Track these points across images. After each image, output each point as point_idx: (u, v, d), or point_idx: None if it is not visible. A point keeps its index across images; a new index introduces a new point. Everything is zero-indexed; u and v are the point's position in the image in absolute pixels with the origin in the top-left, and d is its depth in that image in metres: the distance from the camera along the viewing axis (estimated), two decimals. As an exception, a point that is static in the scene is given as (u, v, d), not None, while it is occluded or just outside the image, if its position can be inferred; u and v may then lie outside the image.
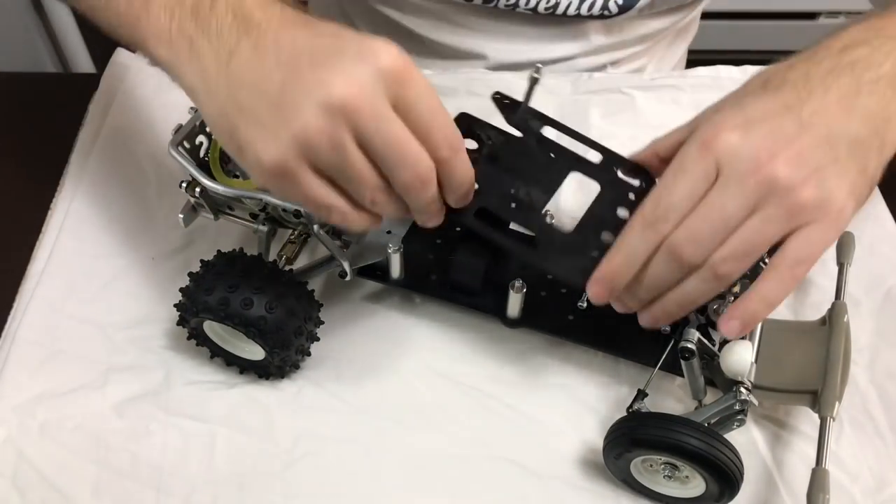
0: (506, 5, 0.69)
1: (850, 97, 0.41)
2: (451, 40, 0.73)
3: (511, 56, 0.72)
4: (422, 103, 0.39)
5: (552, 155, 0.51)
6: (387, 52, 0.38)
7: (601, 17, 0.70)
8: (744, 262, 0.41)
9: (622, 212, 0.48)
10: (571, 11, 0.69)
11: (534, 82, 0.50)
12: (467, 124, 0.52)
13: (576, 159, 0.51)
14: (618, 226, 0.45)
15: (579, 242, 0.46)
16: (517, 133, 0.51)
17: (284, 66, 0.38)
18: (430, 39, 0.74)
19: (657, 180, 0.43)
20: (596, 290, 0.44)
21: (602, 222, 0.47)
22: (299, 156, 0.38)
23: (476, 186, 0.45)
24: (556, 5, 0.68)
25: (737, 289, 0.49)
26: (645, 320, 0.45)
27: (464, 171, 0.42)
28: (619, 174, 0.50)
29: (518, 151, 0.50)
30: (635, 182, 0.50)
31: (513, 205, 0.47)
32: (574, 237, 0.47)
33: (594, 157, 0.51)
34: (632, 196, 0.49)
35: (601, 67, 0.75)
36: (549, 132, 0.52)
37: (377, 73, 0.37)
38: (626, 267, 0.42)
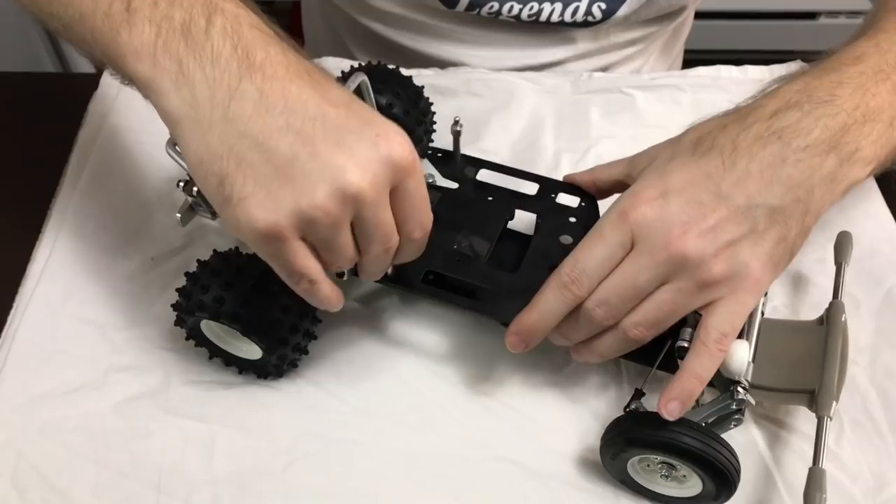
0: (488, 13, 0.69)
1: (775, 166, 0.42)
2: (435, 51, 0.73)
3: (496, 63, 0.72)
4: (416, 194, 0.41)
5: (490, 198, 0.53)
6: (399, 145, 0.39)
7: (585, 24, 0.70)
8: (654, 328, 0.43)
9: (565, 238, 0.50)
10: (555, 19, 0.69)
11: (457, 135, 0.54)
12: None
13: (513, 196, 0.54)
14: (562, 253, 0.47)
15: (525, 281, 0.47)
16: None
17: (296, 133, 0.38)
18: (414, 50, 0.74)
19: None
20: (513, 342, 0.46)
21: (546, 254, 0.48)
22: (296, 226, 0.39)
23: None
24: (539, 13, 0.68)
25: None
26: (573, 355, 0.47)
27: (422, 246, 0.44)
28: (558, 199, 0.53)
29: (456, 203, 0.53)
30: (574, 203, 0.52)
31: (457, 259, 0.49)
32: (520, 277, 0.48)
33: (532, 188, 0.54)
34: (572, 219, 0.51)
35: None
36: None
37: (389, 164, 0.39)
38: (540, 323, 0.45)
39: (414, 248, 0.44)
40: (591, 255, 0.43)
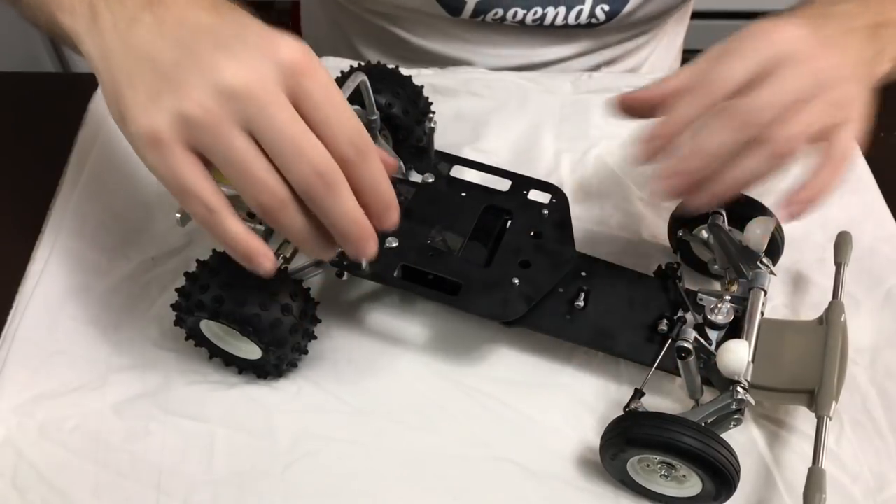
0: (493, 19, 0.69)
1: (866, 31, 0.47)
2: (440, 48, 0.73)
3: (501, 61, 0.72)
4: (320, 95, 0.37)
5: (463, 194, 0.54)
6: (287, 45, 0.37)
7: (589, 25, 0.70)
8: (800, 141, 0.43)
9: (537, 231, 0.52)
10: (559, 22, 0.69)
11: (431, 131, 0.55)
12: None
13: (486, 192, 0.55)
14: (534, 247, 0.50)
15: (498, 274, 0.49)
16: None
17: (183, 44, 0.38)
18: (420, 46, 0.74)
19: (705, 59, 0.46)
20: (644, 149, 0.45)
21: (518, 248, 0.50)
22: (177, 129, 0.37)
23: (395, 244, 0.50)
24: (543, 17, 0.69)
25: (734, 287, 0.49)
26: (700, 199, 0.45)
27: (374, 177, 0.39)
28: (530, 196, 0.54)
29: (430, 198, 0.54)
30: (545, 199, 0.54)
31: (430, 254, 0.50)
32: (492, 270, 0.50)
33: (504, 184, 0.55)
34: (545, 212, 0.53)
35: (595, 68, 0.75)
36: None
37: (276, 63, 0.37)
38: (671, 129, 0.44)
39: (367, 182, 0.39)
40: (734, 67, 0.44)
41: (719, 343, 0.46)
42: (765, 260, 0.49)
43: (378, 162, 0.39)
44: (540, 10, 0.68)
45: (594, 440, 0.47)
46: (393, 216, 0.41)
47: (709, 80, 0.44)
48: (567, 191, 0.55)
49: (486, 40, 0.72)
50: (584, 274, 0.52)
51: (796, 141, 0.43)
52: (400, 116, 0.56)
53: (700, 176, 0.44)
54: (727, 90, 0.43)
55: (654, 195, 0.46)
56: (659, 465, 0.44)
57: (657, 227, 0.58)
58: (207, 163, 0.38)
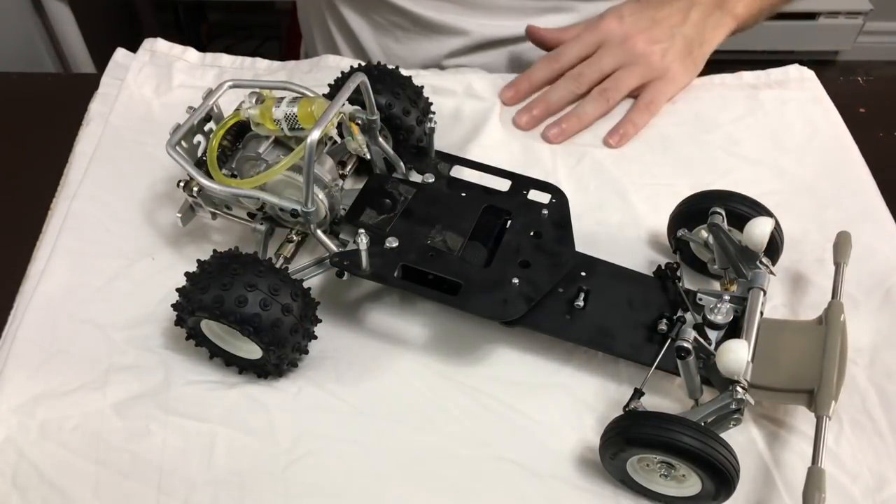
0: None
1: (685, 10, 0.68)
2: (433, 15, 0.74)
3: (494, 31, 0.73)
4: None
5: (463, 194, 0.55)
6: None
7: None
8: (619, 91, 0.67)
9: (537, 231, 0.52)
10: None
11: (431, 131, 0.56)
12: (378, 184, 0.55)
13: (486, 192, 0.55)
14: (534, 247, 0.50)
15: (498, 274, 0.49)
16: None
17: None
18: (412, 12, 0.74)
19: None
20: (507, 95, 0.68)
21: (518, 248, 0.51)
22: None
23: (395, 244, 0.50)
24: None
25: (733, 287, 0.49)
26: (554, 134, 0.65)
27: None
28: (529, 196, 0.54)
29: (430, 199, 0.54)
30: (545, 198, 0.54)
31: (430, 254, 0.50)
32: (492, 270, 0.50)
33: (504, 184, 0.55)
34: (545, 212, 0.53)
35: None
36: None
37: None
38: (528, 85, 0.68)
39: None
40: (572, 48, 0.67)
41: (719, 343, 0.46)
42: (764, 260, 0.49)
43: None
44: None
45: (594, 440, 0.47)
46: None
47: (559, 58, 0.67)
48: (566, 191, 0.55)
49: (478, 10, 0.73)
50: (583, 274, 0.52)
51: (614, 92, 0.66)
52: (400, 117, 0.56)
53: (548, 116, 0.66)
54: (566, 62, 0.67)
55: (518, 125, 0.66)
56: (658, 465, 0.44)
57: (657, 227, 0.58)
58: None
